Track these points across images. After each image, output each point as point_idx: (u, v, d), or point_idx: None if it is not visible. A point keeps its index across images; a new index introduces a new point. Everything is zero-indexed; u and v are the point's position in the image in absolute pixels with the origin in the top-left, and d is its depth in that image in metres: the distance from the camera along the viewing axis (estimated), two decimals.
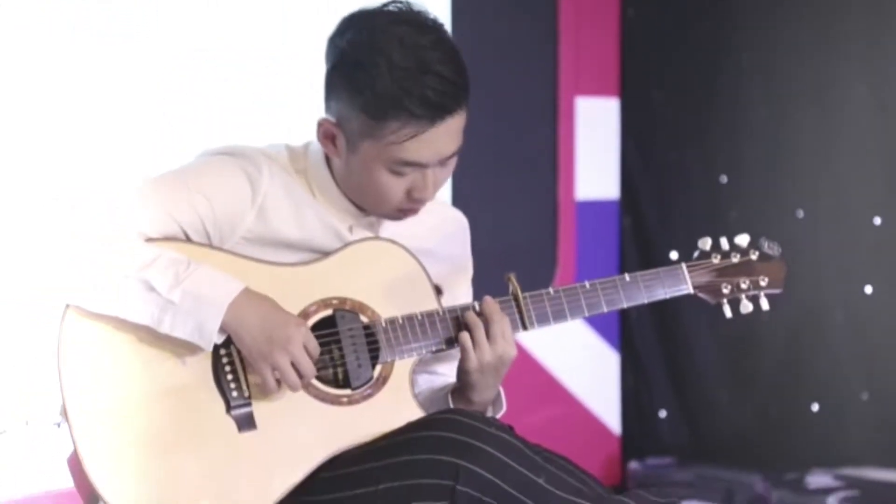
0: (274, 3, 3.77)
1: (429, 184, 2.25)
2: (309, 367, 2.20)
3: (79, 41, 3.40)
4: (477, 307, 2.31)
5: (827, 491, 4.23)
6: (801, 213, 4.54)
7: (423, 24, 2.23)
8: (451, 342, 2.29)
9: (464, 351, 2.27)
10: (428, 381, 2.41)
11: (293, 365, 2.19)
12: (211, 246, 2.25)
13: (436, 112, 2.19)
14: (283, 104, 3.66)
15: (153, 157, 3.46)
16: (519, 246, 4.42)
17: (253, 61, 3.70)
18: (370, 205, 2.31)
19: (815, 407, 4.51)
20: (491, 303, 2.29)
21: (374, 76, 2.18)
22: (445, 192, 3.87)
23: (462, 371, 2.30)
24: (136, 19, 3.49)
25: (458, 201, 3.72)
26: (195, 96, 3.60)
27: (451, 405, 2.33)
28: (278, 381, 2.19)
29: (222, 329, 2.17)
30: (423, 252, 2.34)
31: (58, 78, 3.37)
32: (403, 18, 2.23)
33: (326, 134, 2.27)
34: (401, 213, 2.31)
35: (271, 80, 3.72)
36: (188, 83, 3.59)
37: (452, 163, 2.29)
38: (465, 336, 2.27)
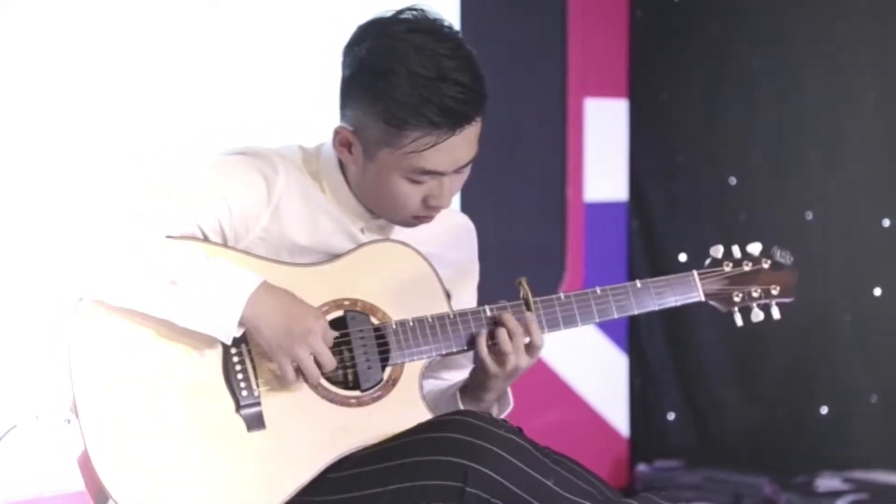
0: (281, 4, 3.77)
1: (445, 191, 2.26)
2: (329, 359, 2.20)
3: (82, 40, 3.40)
4: (488, 311, 2.31)
5: (836, 494, 4.22)
6: (810, 215, 4.54)
7: (439, 32, 2.24)
8: (462, 345, 2.30)
9: (481, 360, 2.29)
10: (432, 386, 2.41)
11: (313, 357, 2.19)
12: (226, 245, 2.26)
13: (455, 121, 2.20)
14: (292, 107, 3.66)
15: (166, 154, 3.46)
16: (527, 248, 4.42)
17: (261, 63, 3.70)
18: (385, 212, 2.31)
19: (824, 410, 4.51)
20: (530, 318, 2.30)
21: (394, 84, 2.19)
22: None
23: (481, 375, 2.32)
24: (141, 17, 3.50)
25: (466, 203, 3.72)
26: (204, 96, 3.61)
27: (460, 402, 2.34)
28: (298, 373, 2.20)
29: (241, 323, 2.17)
30: (430, 256, 2.34)
31: (62, 77, 3.38)
32: (420, 27, 2.23)
33: (342, 142, 2.28)
34: (416, 220, 2.31)
35: (279, 83, 3.72)
36: (197, 83, 3.59)
37: (468, 169, 2.30)
38: (484, 344, 2.29)
